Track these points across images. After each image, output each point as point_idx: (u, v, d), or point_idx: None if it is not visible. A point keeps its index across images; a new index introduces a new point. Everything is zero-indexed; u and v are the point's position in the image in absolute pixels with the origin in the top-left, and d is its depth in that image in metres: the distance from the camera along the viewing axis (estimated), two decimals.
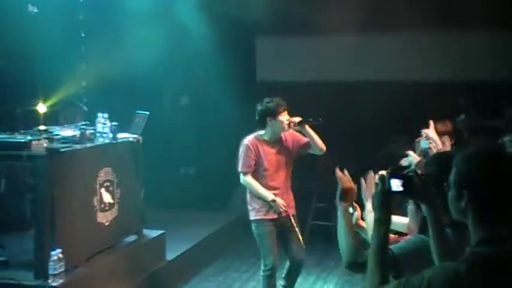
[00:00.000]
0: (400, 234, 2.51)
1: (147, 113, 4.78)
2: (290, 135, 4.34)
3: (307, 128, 4.22)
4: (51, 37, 4.97)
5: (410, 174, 1.81)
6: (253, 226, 4.32)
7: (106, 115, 4.45)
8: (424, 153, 3.33)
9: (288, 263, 4.42)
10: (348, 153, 6.61)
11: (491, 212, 1.54)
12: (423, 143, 3.44)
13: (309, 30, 7.00)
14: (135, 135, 4.81)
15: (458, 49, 6.73)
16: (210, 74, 6.84)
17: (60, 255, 3.74)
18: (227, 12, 6.79)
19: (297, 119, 4.21)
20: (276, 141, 4.30)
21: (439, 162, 2.08)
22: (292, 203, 4.38)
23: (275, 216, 4.22)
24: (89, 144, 4.30)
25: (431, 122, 3.26)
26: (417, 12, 6.48)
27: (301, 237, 4.37)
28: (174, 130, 6.95)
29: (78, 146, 4.17)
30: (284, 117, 4.20)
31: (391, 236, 2.50)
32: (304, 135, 4.26)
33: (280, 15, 6.95)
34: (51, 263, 3.71)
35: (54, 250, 3.72)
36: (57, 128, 4.62)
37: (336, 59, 6.95)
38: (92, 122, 4.57)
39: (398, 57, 6.86)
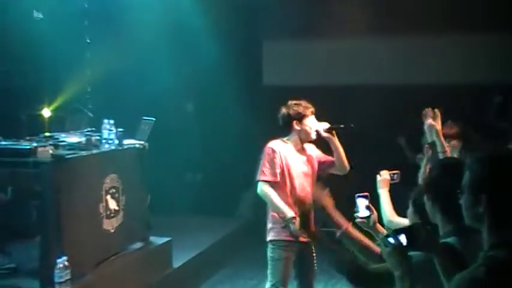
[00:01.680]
0: None
1: (153, 119, 4.78)
2: (312, 150, 3.91)
3: (335, 138, 3.79)
4: (56, 43, 5.00)
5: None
6: (269, 248, 3.79)
7: (112, 121, 4.45)
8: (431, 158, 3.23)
9: None
10: (356, 159, 6.61)
11: (509, 216, 1.54)
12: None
13: (316, 34, 7.00)
14: (141, 142, 4.81)
15: (463, 51, 6.71)
16: (216, 78, 6.85)
17: (66, 263, 3.73)
18: (233, 16, 6.81)
19: (326, 125, 3.80)
20: (302, 151, 3.86)
21: (444, 168, 2.07)
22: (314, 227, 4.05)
23: (299, 239, 3.64)
24: (94, 151, 4.30)
25: (437, 112, 3.12)
26: (429, 13, 6.47)
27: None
28: (180, 136, 6.95)
29: (84, 153, 4.17)
30: (312, 122, 3.80)
31: None
32: (329, 146, 3.83)
33: (287, 19, 6.96)
34: (57, 271, 3.71)
35: (60, 258, 3.71)
36: (62, 134, 4.62)
37: (343, 63, 6.95)
38: (98, 129, 4.57)
39: (409, 60, 6.84)
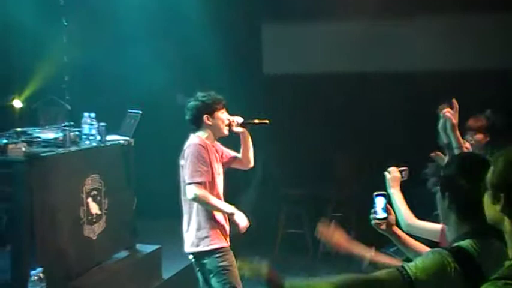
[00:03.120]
0: (432, 244, 2.48)
1: (140, 112, 4.76)
2: (221, 151, 4.01)
3: (247, 133, 3.93)
4: (27, 25, 4.94)
5: None
6: (214, 258, 3.78)
7: (93, 115, 4.43)
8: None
9: None
10: (365, 153, 6.58)
11: None
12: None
13: (319, 17, 6.96)
14: (126, 138, 4.79)
15: (482, 35, 6.66)
16: (210, 66, 6.81)
17: (41, 275, 3.66)
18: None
19: (239, 119, 3.91)
20: (215, 148, 3.94)
21: (461, 164, 2.07)
22: None
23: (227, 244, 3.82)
24: (73, 148, 4.28)
25: (455, 103, 3.02)
26: None
27: None
28: (170, 131, 6.91)
29: (61, 150, 4.15)
30: (224, 115, 3.88)
31: (420, 246, 2.48)
32: (241, 140, 3.95)
33: (288, 2, 6.92)
34: (30, 284, 3.65)
35: (34, 269, 3.64)
36: (36, 129, 4.58)
37: (348, 49, 6.90)
38: (77, 123, 4.55)
39: (416, 45, 6.79)
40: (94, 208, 4.44)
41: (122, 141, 4.76)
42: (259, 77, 7.28)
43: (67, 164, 4.19)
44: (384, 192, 2.56)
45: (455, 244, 1.92)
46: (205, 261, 3.85)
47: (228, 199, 4.06)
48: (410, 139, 6.42)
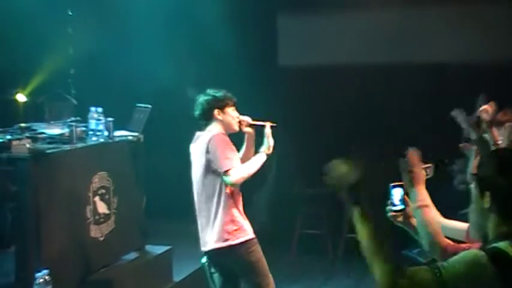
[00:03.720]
0: (458, 242, 2.45)
1: (149, 106, 4.75)
2: None
3: (253, 134, 4.06)
4: (31, 15, 4.94)
5: None
6: (247, 249, 3.89)
7: (100, 109, 4.42)
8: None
9: None
10: (386, 152, 6.51)
11: None
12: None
13: (337, 6, 6.91)
14: (135, 133, 4.78)
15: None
16: (223, 59, 6.79)
17: (47, 277, 3.67)
18: None
19: (249, 119, 4.04)
20: None
21: (499, 162, 2.02)
22: None
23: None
24: (80, 145, 4.27)
25: (492, 105, 3.11)
26: None
27: None
28: (181, 126, 6.90)
29: (67, 147, 4.15)
30: (233, 112, 4.01)
31: (450, 242, 2.43)
32: (246, 140, 4.06)
33: None
34: (35, 287, 3.66)
35: (39, 271, 3.65)
36: (41, 125, 4.59)
37: (369, 39, 6.84)
38: (83, 118, 4.54)
39: (443, 36, 6.71)
40: (102, 207, 4.44)
41: (130, 137, 4.75)
42: (274, 70, 7.25)
43: (73, 161, 4.19)
44: (401, 183, 2.53)
45: (493, 245, 1.89)
46: (236, 255, 3.89)
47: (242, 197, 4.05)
48: (433, 134, 6.34)
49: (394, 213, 2.51)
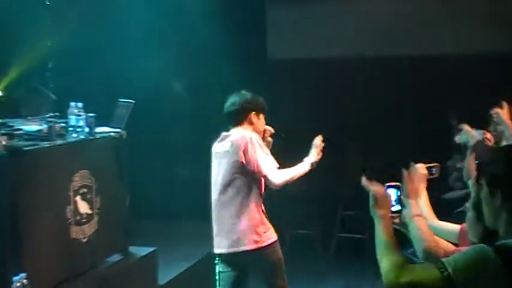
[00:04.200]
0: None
1: (132, 101, 4.72)
2: None
3: (271, 144, 4.30)
4: (6, 6, 4.87)
5: None
6: (275, 251, 4.14)
7: (80, 104, 4.36)
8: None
9: None
10: (379, 147, 6.52)
11: None
12: (478, 133, 3.51)
13: None
14: (118, 130, 4.74)
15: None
16: (209, 51, 6.76)
17: (25, 281, 3.62)
18: None
19: (271, 129, 4.30)
20: None
21: (507, 159, 2.04)
22: None
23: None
24: (59, 142, 4.22)
25: (504, 104, 3.38)
26: None
27: None
28: (165, 122, 6.89)
29: (45, 144, 4.09)
30: (263, 121, 4.27)
31: (449, 245, 2.52)
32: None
33: None
34: None
35: (16, 275, 3.60)
36: (18, 121, 4.53)
37: (362, 32, 6.85)
38: (63, 113, 4.49)
39: (434, 28, 6.74)
40: (83, 207, 4.38)
41: (112, 134, 4.71)
42: (262, 63, 7.23)
43: (52, 159, 4.13)
44: (396, 184, 2.55)
45: (502, 242, 1.90)
46: (263, 256, 4.08)
47: None
48: (429, 131, 6.35)
49: (390, 215, 2.47)
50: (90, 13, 5.90)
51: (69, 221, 4.21)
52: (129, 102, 4.75)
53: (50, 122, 4.30)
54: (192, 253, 5.76)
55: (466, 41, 6.63)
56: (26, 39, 5.29)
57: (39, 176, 3.98)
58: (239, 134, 4.09)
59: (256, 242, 4.06)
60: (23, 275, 3.63)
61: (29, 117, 4.67)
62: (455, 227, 2.71)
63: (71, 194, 4.23)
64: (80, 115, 4.35)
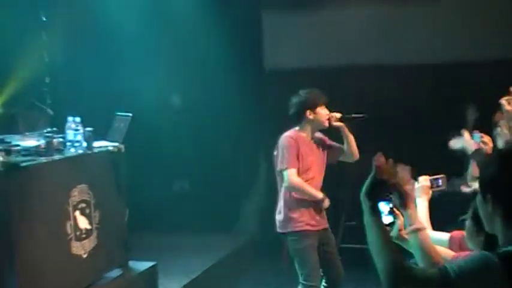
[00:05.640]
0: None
1: (130, 114, 4.72)
2: (321, 138, 4.61)
3: (346, 128, 4.49)
4: (2, 21, 4.87)
5: None
6: (290, 240, 4.49)
7: (78, 119, 4.37)
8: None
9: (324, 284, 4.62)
10: (382, 152, 6.49)
11: None
12: (476, 137, 3.53)
13: (326, 3, 6.91)
14: (116, 143, 4.74)
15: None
16: (207, 64, 6.76)
17: None
18: None
19: (338, 115, 4.47)
20: (313, 140, 4.55)
21: (502, 161, 1.99)
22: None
23: (319, 227, 4.49)
24: (57, 157, 4.22)
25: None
26: None
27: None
28: (164, 135, 6.88)
29: (43, 159, 4.09)
30: (324, 111, 4.46)
31: (447, 252, 2.51)
32: (341, 135, 4.53)
33: None
34: None
35: None
36: (15, 136, 4.54)
37: (361, 39, 6.84)
38: (60, 128, 4.48)
39: (438, 34, 6.73)
40: (83, 222, 4.37)
41: (110, 148, 4.71)
42: (259, 73, 7.23)
43: (50, 174, 4.13)
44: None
45: (503, 249, 1.87)
46: None
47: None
48: (435, 137, 6.31)
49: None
50: (85, 28, 5.92)
51: (70, 236, 4.20)
52: (126, 115, 4.75)
53: (48, 137, 4.28)
54: (193, 266, 5.73)
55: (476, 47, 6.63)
56: (22, 55, 5.29)
57: (38, 192, 3.96)
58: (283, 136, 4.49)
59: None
60: None
61: (27, 133, 4.67)
62: (445, 236, 2.75)
63: (70, 208, 4.22)
64: (77, 130, 4.35)
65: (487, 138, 3.59)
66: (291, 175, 4.36)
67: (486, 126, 3.90)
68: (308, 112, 4.45)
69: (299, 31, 7.14)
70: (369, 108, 6.71)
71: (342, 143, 4.60)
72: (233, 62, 6.69)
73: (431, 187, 3.04)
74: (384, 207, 2.46)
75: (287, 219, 4.49)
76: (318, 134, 4.60)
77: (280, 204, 4.54)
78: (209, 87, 6.99)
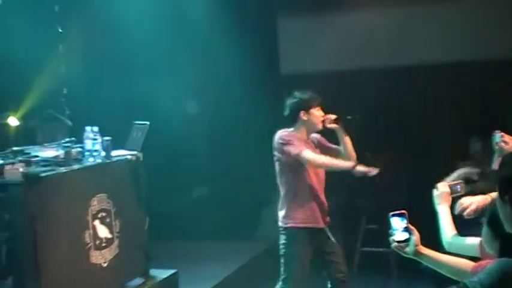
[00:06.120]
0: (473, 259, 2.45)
1: (147, 123, 4.73)
2: (318, 139, 4.62)
3: (341, 129, 4.48)
4: (20, 34, 4.93)
5: None
6: (284, 235, 4.51)
7: (96, 128, 4.38)
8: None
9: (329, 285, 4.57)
10: (403, 158, 6.44)
11: None
12: (496, 137, 3.48)
13: (343, 7, 6.87)
14: (134, 152, 4.75)
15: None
16: (223, 70, 6.76)
17: None
18: None
19: (333, 116, 4.45)
20: (308, 141, 4.53)
21: None
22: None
23: (318, 225, 4.48)
24: (76, 166, 4.23)
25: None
26: None
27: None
28: (182, 143, 6.88)
29: (62, 169, 4.11)
30: (319, 112, 4.45)
31: (468, 264, 2.42)
32: (336, 136, 4.51)
33: None
34: None
35: None
36: (35, 147, 4.56)
37: (378, 42, 6.80)
38: (79, 138, 4.50)
39: (455, 36, 6.67)
40: (103, 231, 4.38)
41: (129, 156, 4.71)
42: (276, 78, 7.21)
43: (70, 184, 4.14)
44: (401, 212, 2.45)
45: None
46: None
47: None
48: (455, 140, 6.24)
49: (398, 245, 2.43)
50: (102, 38, 5.95)
51: (88, 245, 4.20)
52: (144, 124, 4.76)
53: (66, 147, 4.33)
54: (213, 274, 5.73)
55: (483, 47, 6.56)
56: (40, 67, 5.34)
57: (57, 202, 3.98)
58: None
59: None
60: None
61: (46, 144, 4.69)
62: (475, 240, 2.65)
63: (90, 218, 4.23)
64: (95, 139, 4.36)
65: (507, 138, 3.52)
66: (308, 155, 4.30)
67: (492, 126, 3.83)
68: (302, 113, 4.43)
69: (315, 36, 7.11)
70: (388, 111, 6.72)
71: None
72: (250, 67, 6.68)
73: (451, 193, 3.00)
74: (398, 223, 2.43)
75: (286, 216, 4.50)
76: (316, 135, 4.59)
77: (281, 201, 4.56)
78: (226, 94, 6.99)
